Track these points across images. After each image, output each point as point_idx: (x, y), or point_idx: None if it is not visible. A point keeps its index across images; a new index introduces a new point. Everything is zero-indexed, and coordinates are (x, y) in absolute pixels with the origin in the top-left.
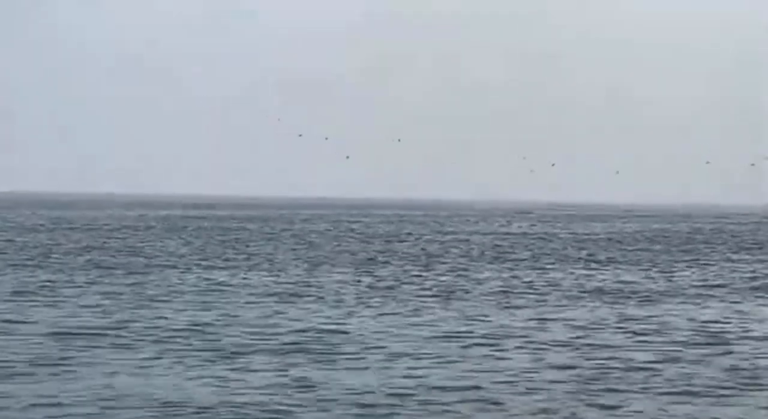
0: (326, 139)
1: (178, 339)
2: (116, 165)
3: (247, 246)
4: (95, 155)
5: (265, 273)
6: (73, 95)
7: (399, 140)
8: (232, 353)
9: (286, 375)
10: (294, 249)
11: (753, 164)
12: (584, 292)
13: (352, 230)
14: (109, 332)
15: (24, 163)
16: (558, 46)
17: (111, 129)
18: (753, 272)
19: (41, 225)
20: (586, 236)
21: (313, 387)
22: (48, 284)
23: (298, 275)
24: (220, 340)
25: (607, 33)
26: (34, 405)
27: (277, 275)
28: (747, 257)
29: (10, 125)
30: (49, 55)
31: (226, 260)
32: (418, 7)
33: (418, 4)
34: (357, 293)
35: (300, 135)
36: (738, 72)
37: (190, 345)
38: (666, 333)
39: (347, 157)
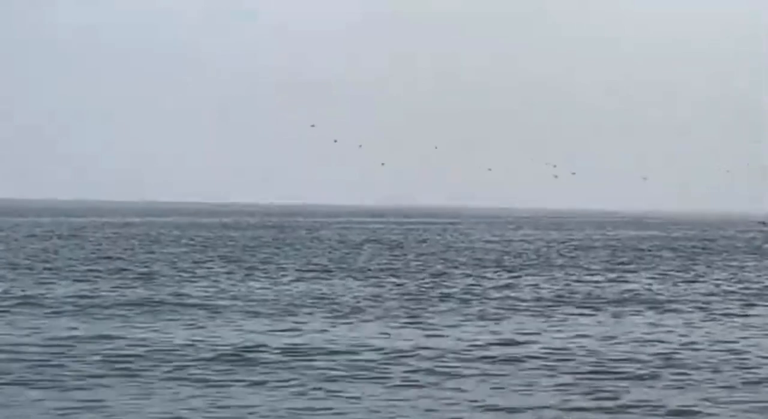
0: (360, 146)
1: (180, 351)
2: (115, 166)
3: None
4: (93, 156)
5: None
6: (72, 95)
7: (436, 147)
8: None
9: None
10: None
11: None
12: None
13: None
14: (106, 343)
15: (22, 167)
16: (558, 46)
17: (109, 129)
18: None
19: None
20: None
21: (316, 395)
22: (44, 291)
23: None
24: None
25: (607, 33)
26: None
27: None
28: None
29: (8, 125)
30: (49, 55)
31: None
32: (418, 7)
33: (418, 4)
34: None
35: (335, 141)
36: (738, 72)
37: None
38: (663, 340)
39: (382, 163)
